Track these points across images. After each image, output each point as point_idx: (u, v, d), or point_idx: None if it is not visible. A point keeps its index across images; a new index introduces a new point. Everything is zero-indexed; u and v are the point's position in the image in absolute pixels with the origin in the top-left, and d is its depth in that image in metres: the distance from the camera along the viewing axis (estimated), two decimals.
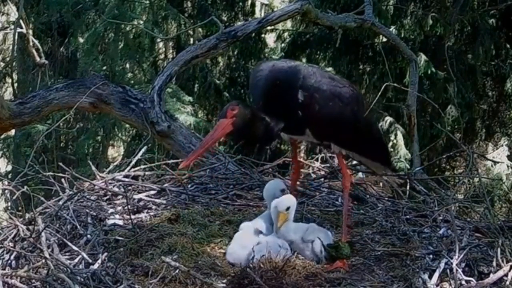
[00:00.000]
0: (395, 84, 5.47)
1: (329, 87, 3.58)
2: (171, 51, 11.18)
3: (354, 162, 4.61)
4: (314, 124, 3.59)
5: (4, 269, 3.48)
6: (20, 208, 3.99)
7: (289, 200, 3.61)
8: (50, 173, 4.42)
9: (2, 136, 9.93)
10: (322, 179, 4.65)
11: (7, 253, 3.65)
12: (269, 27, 8.61)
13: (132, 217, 3.88)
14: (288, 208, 3.56)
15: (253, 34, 8.50)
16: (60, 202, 4.08)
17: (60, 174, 4.42)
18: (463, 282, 3.31)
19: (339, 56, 9.93)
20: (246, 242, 3.50)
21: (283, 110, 3.54)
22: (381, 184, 4.76)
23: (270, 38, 11.41)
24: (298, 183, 4.15)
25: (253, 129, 3.52)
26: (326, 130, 3.64)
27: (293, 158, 4.01)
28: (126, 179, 4.42)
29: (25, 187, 4.14)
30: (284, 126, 3.56)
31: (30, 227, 3.77)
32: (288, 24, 10.94)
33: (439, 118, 9.30)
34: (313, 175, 4.74)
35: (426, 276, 3.36)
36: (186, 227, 3.80)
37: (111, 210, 4.08)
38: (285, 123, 3.56)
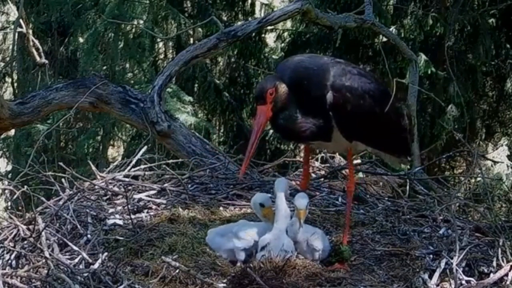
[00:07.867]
0: (399, 79, 5.43)
1: (360, 85, 3.47)
2: (171, 51, 11.19)
3: (355, 161, 4.61)
4: (345, 124, 3.46)
5: (4, 269, 3.48)
6: (20, 208, 3.99)
7: (305, 197, 3.52)
8: (50, 173, 4.40)
9: (2, 136, 9.92)
10: (322, 179, 4.65)
11: (7, 253, 3.64)
12: (269, 27, 8.62)
13: (132, 217, 3.88)
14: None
15: (253, 34, 8.50)
16: (60, 202, 4.08)
17: (60, 174, 4.41)
18: (463, 282, 3.31)
19: (339, 56, 9.89)
20: (225, 231, 3.51)
21: (311, 113, 3.42)
22: (381, 184, 4.76)
23: (270, 38, 11.42)
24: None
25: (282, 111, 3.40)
26: (358, 129, 3.52)
27: (305, 163, 3.86)
28: (126, 179, 4.41)
29: (25, 187, 4.14)
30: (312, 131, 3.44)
31: (30, 227, 3.78)
32: (288, 24, 10.94)
33: (439, 118, 9.30)
34: (313, 175, 4.74)
35: (426, 276, 3.36)
36: (186, 227, 3.79)
37: (111, 210, 4.08)
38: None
